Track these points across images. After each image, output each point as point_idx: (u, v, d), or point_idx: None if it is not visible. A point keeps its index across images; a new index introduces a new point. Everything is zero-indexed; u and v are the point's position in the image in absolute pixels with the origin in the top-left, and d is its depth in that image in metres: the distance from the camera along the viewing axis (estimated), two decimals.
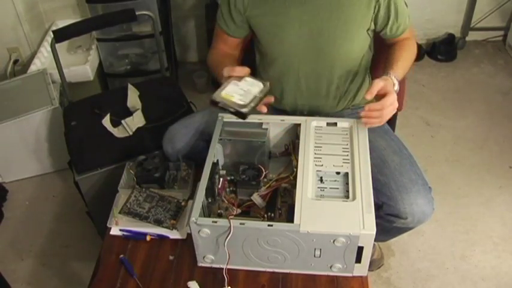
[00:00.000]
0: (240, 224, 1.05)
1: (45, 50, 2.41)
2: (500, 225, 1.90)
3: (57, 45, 1.74)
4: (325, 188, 1.13)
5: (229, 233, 1.05)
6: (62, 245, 1.95)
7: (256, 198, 1.20)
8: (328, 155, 1.18)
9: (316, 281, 1.12)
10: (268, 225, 1.04)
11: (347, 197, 1.10)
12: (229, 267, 1.12)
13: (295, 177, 1.15)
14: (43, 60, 2.38)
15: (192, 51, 2.82)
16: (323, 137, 1.22)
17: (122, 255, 1.22)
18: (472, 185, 2.06)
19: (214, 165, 1.21)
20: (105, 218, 1.30)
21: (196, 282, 1.14)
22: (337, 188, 1.13)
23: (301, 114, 1.43)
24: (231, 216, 1.09)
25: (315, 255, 1.07)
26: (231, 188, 1.25)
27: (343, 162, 1.16)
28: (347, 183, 1.13)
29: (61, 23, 2.46)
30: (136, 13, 1.79)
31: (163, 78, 2.09)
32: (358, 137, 1.22)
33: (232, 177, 1.26)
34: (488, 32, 2.87)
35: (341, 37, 1.29)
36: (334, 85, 1.39)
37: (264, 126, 1.28)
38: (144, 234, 1.25)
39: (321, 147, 1.20)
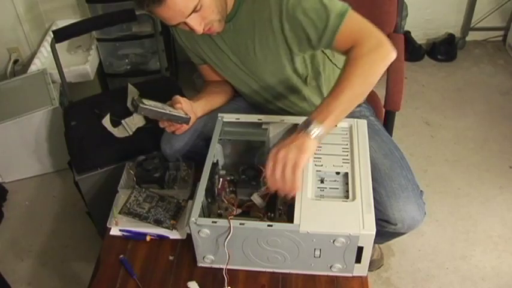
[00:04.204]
0: (240, 224, 1.05)
1: (45, 50, 2.41)
2: (500, 225, 1.90)
3: (57, 45, 1.74)
4: (325, 188, 1.13)
5: (229, 233, 1.05)
6: (62, 245, 1.95)
7: (256, 198, 1.19)
8: (328, 155, 1.18)
9: (316, 281, 1.12)
10: (268, 225, 1.04)
11: (347, 197, 1.10)
12: (229, 267, 1.12)
13: None
14: (43, 60, 2.38)
15: None
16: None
17: (121, 256, 1.22)
18: (472, 185, 2.06)
19: (214, 165, 1.21)
20: (105, 218, 1.30)
21: (196, 282, 1.14)
22: (337, 188, 1.13)
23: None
24: (231, 217, 1.09)
25: (314, 255, 1.07)
26: (230, 188, 1.25)
27: (343, 162, 1.16)
28: (347, 183, 1.13)
29: (61, 23, 2.46)
30: (137, 13, 1.79)
31: (163, 78, 2.09)
32: (357, 137, 1.22)
33: (232, 177, 1.26)
34: (488, 32, 2.87)
35: (264, 62, 1.28)
36: (292, 96, 1.38)
37: (263, 126, 1.28)
38: (144, 235, 1.25)
39: (320, 147, 1.19)
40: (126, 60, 2.49)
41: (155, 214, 1.28)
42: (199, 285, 1.14)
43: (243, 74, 1.35)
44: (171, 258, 1.21)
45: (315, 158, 1.17)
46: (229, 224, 1.04)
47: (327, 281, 1.12)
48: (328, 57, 1.36)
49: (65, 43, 2.41)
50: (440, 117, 2.41)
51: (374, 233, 1.01)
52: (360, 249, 1.05)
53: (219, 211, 1.19)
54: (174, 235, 1.25)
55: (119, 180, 1.38)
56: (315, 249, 1.06)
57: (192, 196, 1.31)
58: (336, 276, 1.12)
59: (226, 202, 1.20)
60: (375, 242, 1.56)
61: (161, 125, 1.32)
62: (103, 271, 1.20)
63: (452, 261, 1.78)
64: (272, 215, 1.16)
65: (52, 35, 1.72)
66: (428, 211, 1.28)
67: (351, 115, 1.40)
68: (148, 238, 1.25)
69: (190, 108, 1.33)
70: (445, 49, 2.77)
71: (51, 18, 2.56)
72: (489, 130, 2.32)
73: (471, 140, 2.28)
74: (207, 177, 1.15)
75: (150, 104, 1.23)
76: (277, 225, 1.04)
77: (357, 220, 1.03)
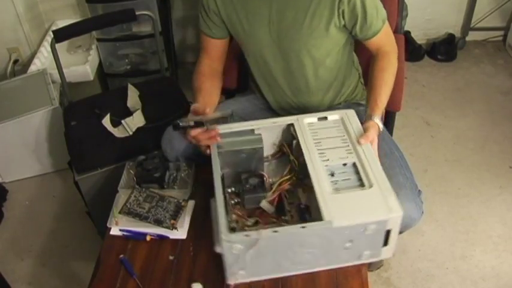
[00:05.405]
0: (273, 232, 1.00)
1: (45, 50, 2.41)
2: (500, 225, 1.90)
3: (57, 45, 1.74)
4: (337, 181, 1.12)
5: (261, 244, 1.00)
6: (62, 245, 1.95)
7: (265, 204, 1.18)
8: (331, 149, 1.18)
9: (316, 281, 1.12)
10: (302, 227, 1.01)
11: (362, 185, 1.09)
12: (263, 278, 1.08)
13: (297, 177, 1.14)
14: (43, 60, 2.38)
15: (192, 51, 2.82)
16: (318, 133, 1.22)
17: (122, 255, 1.22)
18: (472, 184, 2.06)
19: (222, 180, 1.18)
20: (105, 218, 1.30)
21: (196, 283, 1.14)
22: (349, 179, 1.12)
23: (289, 113, 1.43)
24: (262, 225, 1.06)
25: (345, 247, 1.06)
26: (236, 200, 1.22)
27: (347, 153, 1.16)
28: (357, 173, 1.13)
29: (61, 23, 2.46)
30: (136, 13, 1.79)
31: (163, 78, 2.09)
32: (352, 127, 1.22)
33: (233, 189, 1.23)
34: (488, 32, 2.87)
35: (307, 35, 1.29)
36: (312, 82, 1.40)
37: (256, 132, 1.26)
38: (144, 234, 1.25)
39: (320, 142, 1.19)
40: (126, 60, 2.50)
41: (155, 214, 1.28)
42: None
43: (273, 47, 1.35)
44: (171, 258, 1.21)
45: (319, 154, 1.16)
46: (262, 234, 1.00)
47: (327, 281, 1.12)
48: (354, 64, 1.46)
49: (65, 43, 2.42)
50: (440, 117, 2.41)
51: (401, 214, 1.02)
52: (388, 232, 1.05)
53: (231, 225, 1.15)
54: (174, 235, 1.25)
55: (119, 180, 1.38)
56: (346, 241, 1.05)
57: (192, 196, 1.31)
58: (336, 276, 1.12)
59: (235, 215, 1.17)
60: None
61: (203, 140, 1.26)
62: (103, 271, 1.20)
63: (452, 261, 1.78)
64: (286, 218, 1.15)
65: (52, 35, 1.72)
66: (428, 211, 1.29)
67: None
68: (148, 238, 1.25)
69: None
70: (445, 49, 2.77)
71: (51, 18, 2.57)
72: (489, 130, 2.32)
73: (471, 140, 2.28)
74: (221, 192, 1.09)
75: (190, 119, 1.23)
76: (311, 225, 1.01)
77: (383, 205, 1.03)
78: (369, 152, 1.15)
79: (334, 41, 1.34)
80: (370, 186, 1.08)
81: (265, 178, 1.21)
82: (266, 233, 1.00)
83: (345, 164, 1.15)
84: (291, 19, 1.28)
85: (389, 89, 1.32)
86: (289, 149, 1.26)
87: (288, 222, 1.13)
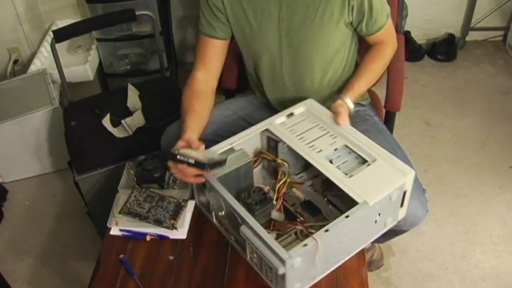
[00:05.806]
0: (325, 231, 0.99)
1: (45, 50, 2.41)
2: (501, 225, 1.90)
3: (57, 45, 1.74)
4: (339, 165, 1.13)
5: (319, 249, 0.98)
6: (62, 245, 1.95)
7: (276, 214, 1.16)
8: (316, 140, 1.18)
9: (317, 282, 1.12)
10: (346, 216, 1.01)
11: (365, 162, 1.12)
12: (315, 281, 1.06)
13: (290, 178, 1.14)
14: (43, 60, 2.38)
15: (192, 51, 2.82)
16: (295, 129, 1.21)
17: (121, 255, 1.22)
18: (472, 184, 2.06)
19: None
20: (105, 218, 1.30)
21: (197, 283, 1.14)
22: (347, 161, 1.14)
23: (287, 107, 1.42)
24: (311, 231, 1.06)
25: (376, 221, 1.08)
26: None
27: (332, 138, 1.18)
28: (350, 153, 1.15)
29: (61, 23, 2.46)
30: (136, 13, 1.79)
31: (163, 78, 2.09)
32: (321, 114, 1.24)
33: None
34: (488, 32, 2.87)
35: (317, 31, 1.30)
36: (317, 82, 1.40)
37: (237, 148, 1.21)
38: (144, 234, 1.25)
39: (303, 137, 1.19)
40: (126, 60, 2.50)
41: (155, 214, 1.28)
42: (200, 285, 1.14)
43: (282, 46, 1.34)
44: (171, 258, 1.21)
45: (309, 147, 1.16)
46: (318, 239, 0.97)
47: (327, 281, 1.12)
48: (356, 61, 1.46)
49: (65, 43, 2.41)
50: (440, 117, 2.41)
51: (414, 172, 1.08)
52: (404, 194, 1.09)
53: None
54: (174, 235, 1.25)
55: (119, 180, 1.38)
56: (376, 215, 1.07)
57: (192, 196, 1.31)
58: (336, 276, 1.12)
59: None
60: (378, 241, 1.56)
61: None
62: (103, 271, 1.20)
63: (452, 261, 1.78)
64: (302, 218, 1.15)
65: (52, 35, 1.72)
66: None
67: (356, 113, 1.42)
68: (148, 238, 1.25)
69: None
70: (445, 49, 2.77)
71: (51, 18, 2.57)
72: (489, 130, 2.32)
73: (471, 140, 2.28)
74: (251, 217, 1.05)
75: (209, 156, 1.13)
76: (353, 212, 1.01)
77: (395, 171, 1.08)
78: (351, 130, 1.18)
79: (342, 39, 1.34)
80: (374, 160, 1.11)
81: (264, 189, 1.18)
82: (320, 236, 0.98)
83: (336, 149, 1.16)
84: (302, 16, 1.28)
85: (372, 78, 1.35)
86: (271, 153, 1.24)
87: (304, 223, 1.13)
